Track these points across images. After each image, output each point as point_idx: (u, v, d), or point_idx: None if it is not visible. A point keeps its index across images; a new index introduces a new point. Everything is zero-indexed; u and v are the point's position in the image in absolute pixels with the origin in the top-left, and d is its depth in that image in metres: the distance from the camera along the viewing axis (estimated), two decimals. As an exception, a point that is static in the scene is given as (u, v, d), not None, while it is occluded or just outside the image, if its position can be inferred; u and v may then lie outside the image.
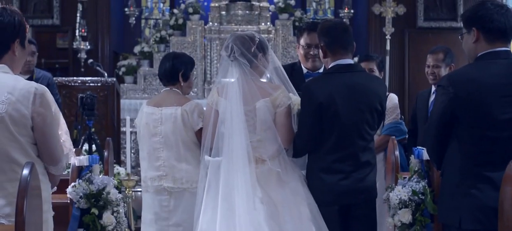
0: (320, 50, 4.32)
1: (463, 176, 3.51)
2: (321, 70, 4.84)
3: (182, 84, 4.63)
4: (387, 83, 10.39)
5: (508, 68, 3.52)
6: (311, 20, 11.85)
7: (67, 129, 3.55)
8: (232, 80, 4.17)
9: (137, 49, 11.29)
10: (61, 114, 3.47)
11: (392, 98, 5.75)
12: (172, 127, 4.45)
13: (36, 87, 3.26)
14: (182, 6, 11.55)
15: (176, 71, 4.61)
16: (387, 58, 10.80)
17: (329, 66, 4.28)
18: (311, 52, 4.82)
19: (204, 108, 4.42)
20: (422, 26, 11.50)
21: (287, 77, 4.36)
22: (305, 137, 4.18)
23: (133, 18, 11.77)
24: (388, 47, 10.91)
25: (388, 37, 11.00)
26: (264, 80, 4.28)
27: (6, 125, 3.19)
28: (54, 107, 3.35)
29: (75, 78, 8.12)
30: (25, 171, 2.89)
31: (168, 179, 4.45)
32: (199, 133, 4.44)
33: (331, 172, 4.17)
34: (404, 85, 11.45)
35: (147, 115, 4.54)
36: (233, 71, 4.17)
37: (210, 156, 4.12)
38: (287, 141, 4.17)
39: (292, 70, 4.88)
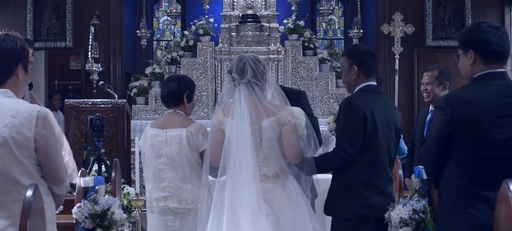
0: (353, 70, 4.51)
1: (460, 195, 3.56)
2: None
3: (186, 105, 4.70)
4: (396, 102, 10.47)
5: (504, 89, 3.57)
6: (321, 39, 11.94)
7: (70, 149, 3.63)
8: (238, 101, 4.26)
9: (148, 70, 11.41)
10: (64, 135, 3.55)
11: None
12: (177, 148, 4.52)
13: (39, 110, 3.36)
14: (193, 27, 11.68)
15: (182, 93, 4.69)
16: (396, 77, 10.86)
17: (363, 86, 4.51)
18: None
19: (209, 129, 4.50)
20: (431, 45, 11.57)
21: (284, 95, 4.46)
22: (356, 144, 4.33)
23: (145, 40, 11.92)
24: (397, 66, 10.98)
25: (397, 56, 11.07)
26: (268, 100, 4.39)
27: (10, 148, 3.28)
28: (57, 129, 3.44)
29: (86, 100, 8.21)
30: (29, 192, 2.96)
31: (174, 199, 4.52)
32: (204, 154, 4.50)
33: (368, 187, 4.37)
34: (413, 104, 11.50)
35: (152, 137, 4.61)
36: (241, 92, 4.26)
37: (216, 175, 4.21)
38: (295, 157, 4.29)
39: None
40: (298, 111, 4.36)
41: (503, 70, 3.64)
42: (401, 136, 6.20)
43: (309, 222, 4.17)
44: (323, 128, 5.42)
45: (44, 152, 3.37)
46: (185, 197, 4.53)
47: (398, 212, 4.27)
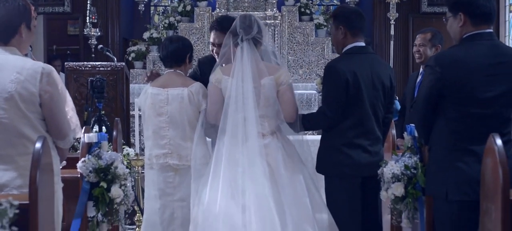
0: (339, 31, 4.60)
1: (449, 150, 3.72)
2: None
3: (187, 65, 4.80)
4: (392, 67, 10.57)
5: (491, 49, 3.72)
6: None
7: (73, 105, 3.77)
8: (240, 58, 4.37)
9: (146, 35, 11.51)
10: (67, 92, 3.68)
11: None
12: (178, 107, 4.61)
13: (43, 67, 3.50)
14: (190, -8, 11.75)
15: (185, 53, 4.76)
16: (391, 43, 10.96)
17: (349, 47, 4.60)
18: (216, 50, 4.90)
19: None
20: (426, 11, 11.65)
21: (277, 57, 4.61)
22: (335, 108, 4.47)
23: (142, 5, 11.99)
24: (392, 32, 11.04)
25: (392, 22, 11.12)
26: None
27: (16, 102, 3.42)
28: (61, 85, 3.58)
29: (85, 63, 8.28)
30: (38, 144, 3.11)
31: (174, 156, 4.63)
32: (204, 113, 4.63)
33: (353, 146, 4.52)
34: (408, 70, 11.61)
35: (153, 96, 4.70)
36: (245, 49, 4.37)
37: (215, 133, 4.34)
38: (292, 115, 4.46)
39: (213, 59, 4.96)
40: None
41: (491, 30, 3.79)
42: (396, 97, 6.33)
43: (302, 176, 4.32)
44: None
45: (49, 107, 3.51)
46: (185, 154, 4.64)
47: (391, 168, 4.41)
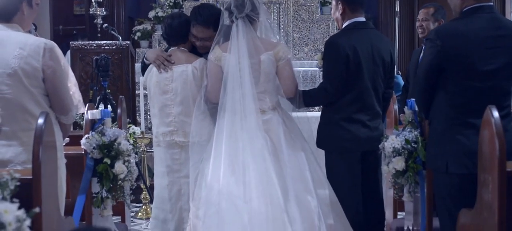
0: (339, 6, 4.60)
1: (449, 123, 3.75)
2: None
3: (190, 42, 4.76)
4: (397, 44, 10.57)
5: (491, 22, 3.73)
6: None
7: (76, 81, 3.82)
8: (235, 36, 4.38)
9: (151, 14, 11.49)
10: (70, 68, 3.73)
11: None
12: (182, 83, 4.60)
13: (46, 43, 3.55)
14: (196, -30, 11.72)
15: (188, 29, 4.69)
16: (397, 19, 10.92)
17: (348, 23, 4.61)
18: (198, 43, 4.74)
19: None
20: (431, -13, 11.60)
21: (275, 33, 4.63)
22: (336, 82, 4.48)
23: (148, -16, 11.99)
24: (397, 9, 11.00)
25: (397, -2, 11.11)
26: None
27: (19, 78, 3.47)
28: (63, 61, 3.63)
29: (91, 42, 8.35)
30: (40, 120, 3.15)
31: (179, 133, 4.63)
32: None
33: (352, 121, 4.55)
34: (413, 46, 11.59)
35: (158, 74, 4.67)
36: (239, 27, 4.37)
37: (215, 110, 4.38)
38: (292, 90, 4.48)
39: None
40: None
41: (491, 4, 3.79)
42: (399, 72, 6.35)
43: (303, 151, 4.36)
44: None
45: (52, 82, 3.56)
46: (190, 131, 4.62)
47: (391, 142, 4.46)
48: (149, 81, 4.75)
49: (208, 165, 4.24)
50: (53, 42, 3.64)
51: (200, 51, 4.76)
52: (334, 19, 4.84)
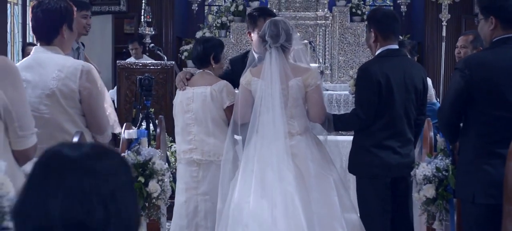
0: (371, 34, 4.64)
1: (477, 153, 3.75)
2: None
3: (214, 66, 4.98)
4: (442, 69, 10.52)
5: (521, 52, 3.74)
6: (369, 6, 12.04)
7: (111, 102, 3.95)
8: (268, 63, 4.49)
9: (198, 34, 11.68)
10: (106, 89, 3.86)
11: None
12: (202, 104, 4.84)
13: (83, 65, 3.69)
14: (243, -7, 11.91)
15: (208, 55, 4.97)
16: (443, 44, 10.88)
17: (381, 50, 4.65)
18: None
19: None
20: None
21: (307, 56, 4.70)
22: (368, 109, 4.53)
23: (196, 5, 12.19)
24: (444, 34, 10.96)
25: (444, 23, 11.03)
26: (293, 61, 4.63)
27: (57, 99, 3.62)
28: (100, 82, 3.77)
29: (136, 61, 8.55)
30: (75, 139, 3.28)
31: (198, 151, 4.85)
32: (227, 110, 4.82)
33: (382, 147, 4.57)
34: (460, 72, 11.50)
35: (182, 94, 4.95)
36: (273, 55, 4.49)
37: (244, 132, 4.50)
38: (319, 116, 4.55)
39: (244, 58, 5.05)
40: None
41: (522, 34, 3.80)
42: (438, 99, 6.34)
43: (331, 176, 4.42)
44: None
45: (88, 103, 3.70)
46: (208, 150, 4.85)
47: (422, 170, 4.47)
48: (175, 100, 4.96)
49: (236, 184, 4.34)
50: (90, 64, 3.79)
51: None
52: (367, 47, 4.88)
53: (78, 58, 5.74)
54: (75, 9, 3.85)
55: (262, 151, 4.35)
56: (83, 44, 6.41)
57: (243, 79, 4.61)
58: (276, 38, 4.49)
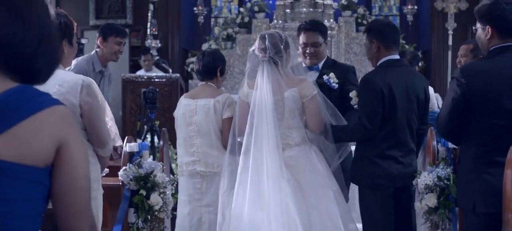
0: (373, 45, 4.64)
1: (476, 162, 3.74)
2: (320, 65, 5.18)
3: (218, 79, 5.01)
4: (448, 78, 10.52)
5: (517, 61, 3.73)
6: (375, 17, 12.07)
7: (112, 116, 3.97)
8: (261, 75, 4.52)
9: (204, 46, 11.72)
10: (106, 103, 3.88)
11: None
12: (205, 116, 4.86)
13: (83, 79, 3.71)
14: (248, 4, 11.94)
15: (216, 67, 5.00)
16: (449, 53, 10.89)
17: (383, 60, 4.66)
18: (308, 51, 5.14)
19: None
20: (485, 21, 11.50)
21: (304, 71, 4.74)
22: (374, 119, 4.51)
23: (202, 17, 12.24)
24: (450, 43, 10.98)
25: (450, 32, 11.06)
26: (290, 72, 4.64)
27: None
28: (100, 97, 3.79)
29: (141, 74, 8.60)
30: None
31: (201, 163, 4.86)
32: (225, 122, 4.84)
33: (385, 157, 4.56)
34: (466, 80, 11.48)
35: (184, 106, 4.96)
36: (264, 68, 4.52)
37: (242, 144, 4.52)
38: (317, 127, 4.54)
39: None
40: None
41: (519, 43, 3.79)
42: (439, 106, 6.34)
43: (329, 187, 4.42)
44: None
45: (89, 117, 3.72)
46: (212, 162, 4.86)
47: (424, 179, 4.47)
48: (177, 112, 5.00)
49: (234, 197, 4.36)
50: (90, 79, 3.80)
51: (311, 62, 5.13)
52: (368, 57, 4.88)
53: (99, 82, 5.77)
54: (75, 24, 3.87)
55: (257, 162, 4.36)
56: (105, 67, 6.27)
57: (241, 93, 4.64)
58: (263, 52, 4.52)
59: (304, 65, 5.20)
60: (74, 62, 5.75)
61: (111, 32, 5.81)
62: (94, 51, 5.87)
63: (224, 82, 10.89)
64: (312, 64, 5.19)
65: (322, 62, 5.18)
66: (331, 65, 5.20)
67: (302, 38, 5.19)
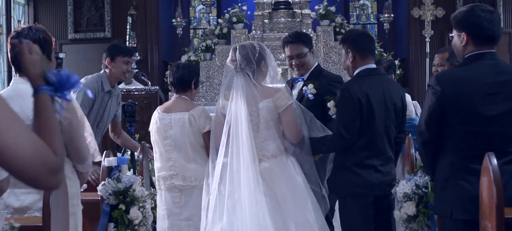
0: (349, 54, 4.67)
1: (453, 169, 3.76)
2: (307, 75, 5.21)
3: (192, 91, 5.02)
4: (426, 85, 10.59)
5: (492, 68, 3.76)
6: (352, 25, 12.15)
7: (92, 131, 3.96)
8: (236, 86, 4.54)
9: (184, 58, 11.73)
10: (86, 118, 3.87)
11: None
12: (180, 130, 4.87)
13: None
14: (227, 15, 11.97)
15: (191, 80, 5.03)
16: (427, 60, 10.98)
17: (360, 70, 4.67)
18: (293, 63, 5.23)
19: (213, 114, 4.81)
20: (462, 28, 11.60)
21: (283, 80, 4.76)
22: (352, 129, 4.51)
23: (180, 29, 12.25)
24: (427, 50, 11.08)
25: (427, 39, 11.17)
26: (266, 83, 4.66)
27: None
28: (80, 112, 3.78)
29: (120, 87, 8.55)
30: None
31: (179, 177, 4.87)
32: (206, 135, 4.85)
33: (364, 166, 4.57)
34: (444, 87, 11.58)
35: (159, 120, 4.97)
36: (239, 79, 4.53)
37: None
38: (294, 136, 4.55)
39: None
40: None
41: (493, 51, 3.81)
42: (418, 115, 6.38)
43: (306, 197, 4.43)
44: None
45: (68, 133, 3.70)
46: (189, 175, 4.87)
47: (402, 188, 4.50)
48: (152, 127, 5.01)
49: (211, 209, 4.38)
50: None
51: (299, 73, 5.22)
52: (344, 67, 4.91)
53: (107, 102, 5.74)
54: (53, 40, 3.86)
55: (234, 175, 4.37)
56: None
57: (218, 104, 4.66)
58: (235, 63, 4.55)
59: (294, 76, 5.29)
60: (83, 80, 5.76)
61: (119, 52, 5.79)
62: (102, 71, 5.85)
63: (202, 94, 11.08)
64: (300, 75, 5.26)
65: (309, 72, 5.21)
66: (317, 75, 5.23)
67: (287, 51, 5.25)
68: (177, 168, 4.88)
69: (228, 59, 4.60)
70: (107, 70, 5.81)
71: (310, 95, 5.02)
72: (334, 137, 4.60)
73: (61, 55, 7.37)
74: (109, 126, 6.01)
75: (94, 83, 5.70)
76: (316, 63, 5.42)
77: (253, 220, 4.23)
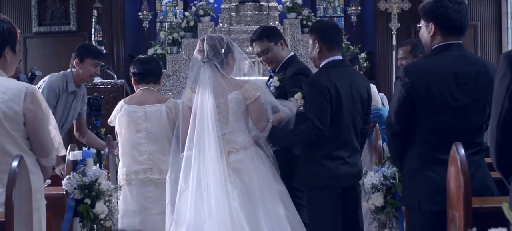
0: (316, 46, 4.63)
1: (421, 160, 3.77)
2: (277, 69, 5.20)
3: (161, 83, 4.97)
4: (393, 77, 10.65)
5: (460, 59, 3.77)
6: (320, 18, 12.16)
7: (56, 124, 3.88)
8: (203, 78, 4.49)
9: (150, 51, 11.65)
10: (51, 111, 3.80)
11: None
12: (157, 123, 4.78)
13: (27, 87, 3.62)
14: (193, 8, 11.89)
15: (160, 72, 5.01)
16: (393, 53, 11.01)
17: (327, 61, 4.66)
18: (261, 59, 5.21)
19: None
20: (428, 21, 11.68)
21: (252, 74, 4.74)
22: (325, 119, 4.49)
23: (147, 22, 12.15)
24: (394, 42, 11.11)
25: (394, 32, 11.20)
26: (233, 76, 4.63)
27: (1, 121, 3.54)
28: (44, 105, 3.69)
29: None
30: (14, 163, 3.21)
31: (154, 171, 4.79)
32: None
33: (332, 158, 4.57)
34: (410, 79, 11.65)
35: (130, 113, 4.86)
36: (206, 70, 4.48)
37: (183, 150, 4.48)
38: (263, 127, 4.51)
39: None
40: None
41: (460, 42, 3.83)
42: (384, 105, 6.39)
43: (275, 188, 4.41)
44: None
45: (32, 125, 3.63)
46: (165, 168, 4.76)
47: (370, 179, 4.49)
48: (120, 120, 4.85)
49: (178, 203, 4.34)
50: (34, 86, 3.72)
51: (270, 67, 5.18)
52: (310, 57, 4.88)
53: (72, 102, 5.65)
54: (18, 31, 3.77)
55: (200, 168, 4.33)
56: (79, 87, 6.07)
57: (184, 97, 4.59)
58: (202, 54, 4.50)
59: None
60: (47, 77, 5.64)
61: (89, 54, 5.65)
62: (69, 69, 5.71)
63: (169, 87, 11.01)
64: (272, 69, 5.23)
65: (280, 65, 5.17)
66: (286, 67, 5.16)
67: (254, 49, 5.23)
68: (152, 162, 4.81)
69: (196, 49, 4.55)
70: (74, 70, 5.69)
71: (272, 88, 4.99)
72: (308, 128, 4.53)
73: (37, 73, 7.31)
74: (74, 125, 5.91)
75: (58, 82, 5.59)
76: (290, 54, 5.33)
77: (223, 213, 4.18)
